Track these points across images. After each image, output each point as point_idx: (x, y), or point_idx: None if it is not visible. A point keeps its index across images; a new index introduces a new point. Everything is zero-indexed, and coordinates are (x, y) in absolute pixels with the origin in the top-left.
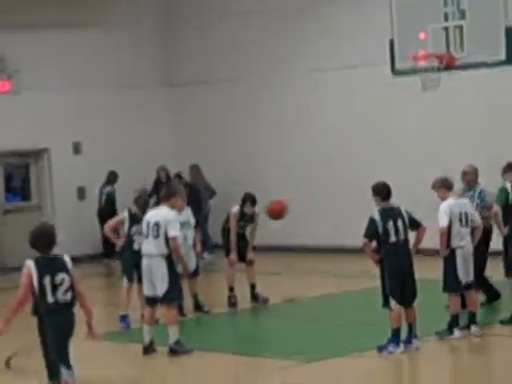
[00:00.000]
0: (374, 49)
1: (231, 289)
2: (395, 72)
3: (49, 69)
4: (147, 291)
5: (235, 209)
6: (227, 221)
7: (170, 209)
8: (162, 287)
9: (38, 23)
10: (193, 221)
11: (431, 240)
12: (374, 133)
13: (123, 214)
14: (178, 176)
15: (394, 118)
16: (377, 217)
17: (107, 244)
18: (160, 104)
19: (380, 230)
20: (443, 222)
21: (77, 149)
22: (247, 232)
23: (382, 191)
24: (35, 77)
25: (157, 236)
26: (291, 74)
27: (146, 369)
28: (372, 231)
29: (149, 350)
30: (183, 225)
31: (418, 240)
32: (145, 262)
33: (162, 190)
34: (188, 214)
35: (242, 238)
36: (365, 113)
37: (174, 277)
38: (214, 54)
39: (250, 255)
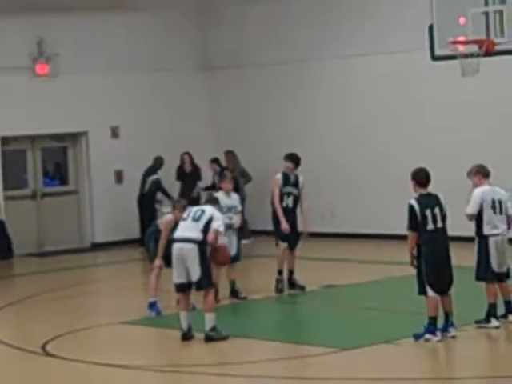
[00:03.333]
0: (413, 34)
1: (280, 272)
2: (434, 57)
3: (87, 52)
4: (177, 278)
5: (277, 175)
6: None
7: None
8: (195, 274)
9: (76, 6)
10: (240, 207)
11: (469, 228)
12: (413, 118)
13: (169, 218)
14: (216, 161)
15: (433, 104)
16: (415, 204)
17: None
18: (197, 88)
19: (418, 217)
20: (470, 209)
21: (114, 132)
22: (297, 206)
23: (420, 177)
24: (74, 60)
25: (197, 219)
26: (329, 59)
27: (184, 354)
28: (414, 221)
29: (187, 336)
30: (230, 209)
31: None
32: (176, 247)
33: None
34: (235, 199)
35: (290, 212)
36: (404, 98)
37: (205, 263)
38: (250, 37)
39: (305, 228)
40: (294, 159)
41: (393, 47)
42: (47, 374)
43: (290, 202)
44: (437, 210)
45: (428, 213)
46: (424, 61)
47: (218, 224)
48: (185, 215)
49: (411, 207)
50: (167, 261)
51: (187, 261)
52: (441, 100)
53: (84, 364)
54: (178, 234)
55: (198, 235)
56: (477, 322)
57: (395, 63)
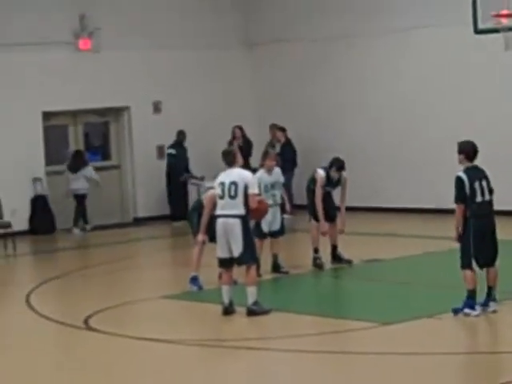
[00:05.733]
0: (456, 8)
1: (316, 250)
2: (477, 31)
3: (130, 27)
4: (221, 253)
5: (321, 173)
6: (312, 181)
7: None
8: (237, 249)
9: None
10: (282, 180)
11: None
12: (458, 93)
13: (212, 193)
14: (282, 130)
15: (476, 78)
16: (463, 176)
17: (175, 206)
18: (239, 63)
19: (467, 189)
20: None
21: (157, 108)
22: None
23: (468, 150)
24: (116, 35)
25: (234, 196)
26: (374, 33)
27: (225, 329)
28: (462, 193)
29: (228, 310)
30: (273, 185)
31: None
32: (220, 222)
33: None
34: (278, 174)
35: (327, 197)
36: (447, 72)
37: (248, 238)
38: (293, 11)
39: (341, 226)
40: (341, 167)
41: (436, 21)
42: (89, 349)
43: (329, 191)
44: (484, 183)
45: (477, 185)
46: (468, 34)
47: (253, 189)
48: (219, 191)
49: (460, 179)
50: (210, 236)
51: (231, 235)
52: (484, 74)
53: (126, 338)
54: (219, 211)
55: (240, 211)
56: None
57: (439, 37)
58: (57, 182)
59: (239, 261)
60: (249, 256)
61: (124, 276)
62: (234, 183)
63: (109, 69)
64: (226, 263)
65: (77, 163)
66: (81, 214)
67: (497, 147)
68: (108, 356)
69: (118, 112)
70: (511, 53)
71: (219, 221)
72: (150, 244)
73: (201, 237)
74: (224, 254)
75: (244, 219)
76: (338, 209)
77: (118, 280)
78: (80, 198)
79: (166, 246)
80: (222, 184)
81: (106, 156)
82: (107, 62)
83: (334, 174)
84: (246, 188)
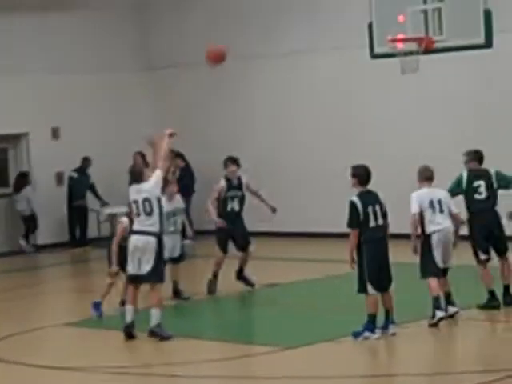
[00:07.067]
0: (353, 32)
1: (215, 275)
2: (374, 55)
3: (27, 52)
4: (132, 269)
5: (221, 180)
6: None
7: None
8: (146, 266)
9: (16, 6)
10: (182, 206)
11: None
12: (351, 117)
13: (125, 224)
14: (180, 156)
15: (372, 102)
16: (357, 201)
17: (74, 232)
18: (139, 88)
19: (361, 214)
20: (413, 209)
21: (55, 134)
22: (243, 208)
23: (362, 175)
24: (13, 60)
25: (150, 212)
26: (271, 56)
27: (129, 355)
28: (355, 218)
29: (129, 329)
30: (174, 213)
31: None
32: (133, 239)
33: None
34: (179, 201)
35: (237, 220)
36: (343, 96)
37: (160, 257)
38: (191, 35)
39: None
40: (235, 161)
41: (332, 45)
42: None
43: (235, 205)
44: (377, 208)
45: (370, 210)
46: (364, 58)
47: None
48: (134, 209)
49: (353, 204)
50: (122, 265)
51: (144, 252)
52: (380, 98)
53: (24, 366)
54: (135, 227)
55: (156, 228)
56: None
57: (335, 61)
58: None
59: (146, 278)
60: (157, 275)
61: (24, 304)
62: (147, 199)
63: (6, 94)
64: (135, 280)
65: (19, 184)
66: (29, 232)
67: (390, 168)
68: None
69: (16, 138)
70: (407, 76)
71: (133, 237)
72: (50, 271)
73: (114, 268)
74: (135, 271)
75: (159, 238)
76: (250, 234)
77: (17, 308)
78: (26, 218)
79: (66, 272)
80: (136, 202)
81: (3, 183)
82: (4, 88)
83: (230, 172)
84: (159, 201)
